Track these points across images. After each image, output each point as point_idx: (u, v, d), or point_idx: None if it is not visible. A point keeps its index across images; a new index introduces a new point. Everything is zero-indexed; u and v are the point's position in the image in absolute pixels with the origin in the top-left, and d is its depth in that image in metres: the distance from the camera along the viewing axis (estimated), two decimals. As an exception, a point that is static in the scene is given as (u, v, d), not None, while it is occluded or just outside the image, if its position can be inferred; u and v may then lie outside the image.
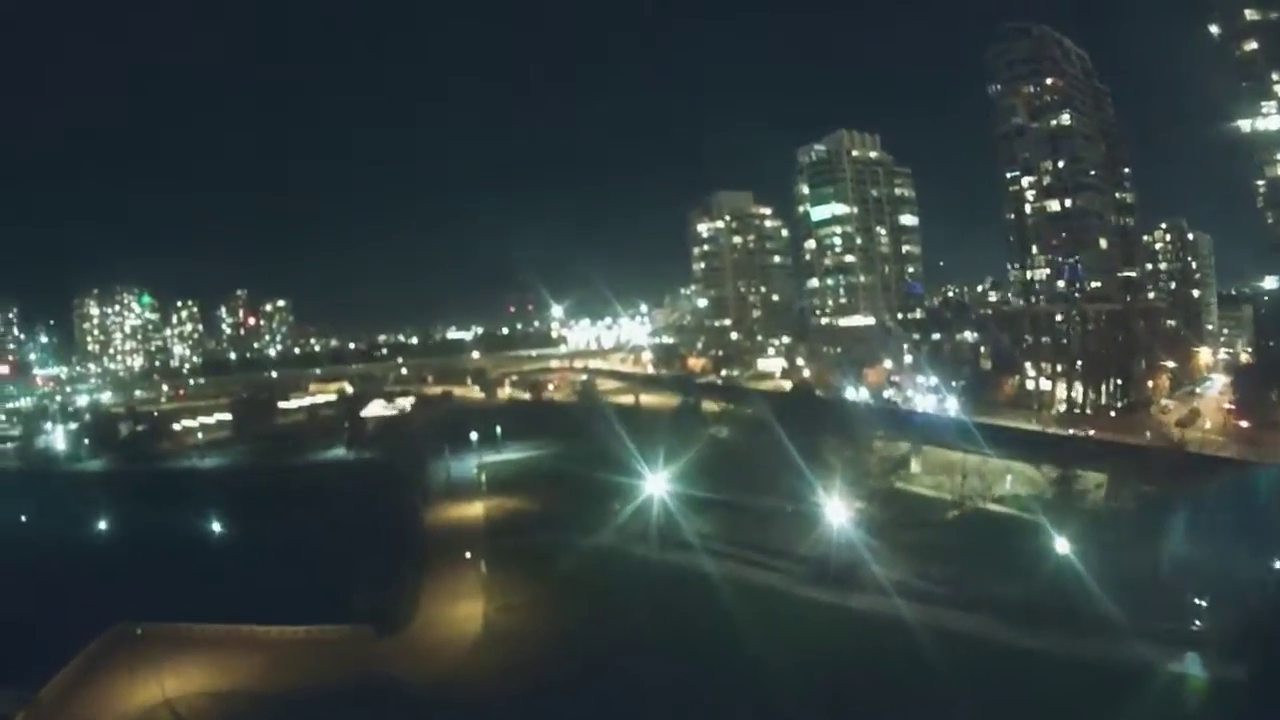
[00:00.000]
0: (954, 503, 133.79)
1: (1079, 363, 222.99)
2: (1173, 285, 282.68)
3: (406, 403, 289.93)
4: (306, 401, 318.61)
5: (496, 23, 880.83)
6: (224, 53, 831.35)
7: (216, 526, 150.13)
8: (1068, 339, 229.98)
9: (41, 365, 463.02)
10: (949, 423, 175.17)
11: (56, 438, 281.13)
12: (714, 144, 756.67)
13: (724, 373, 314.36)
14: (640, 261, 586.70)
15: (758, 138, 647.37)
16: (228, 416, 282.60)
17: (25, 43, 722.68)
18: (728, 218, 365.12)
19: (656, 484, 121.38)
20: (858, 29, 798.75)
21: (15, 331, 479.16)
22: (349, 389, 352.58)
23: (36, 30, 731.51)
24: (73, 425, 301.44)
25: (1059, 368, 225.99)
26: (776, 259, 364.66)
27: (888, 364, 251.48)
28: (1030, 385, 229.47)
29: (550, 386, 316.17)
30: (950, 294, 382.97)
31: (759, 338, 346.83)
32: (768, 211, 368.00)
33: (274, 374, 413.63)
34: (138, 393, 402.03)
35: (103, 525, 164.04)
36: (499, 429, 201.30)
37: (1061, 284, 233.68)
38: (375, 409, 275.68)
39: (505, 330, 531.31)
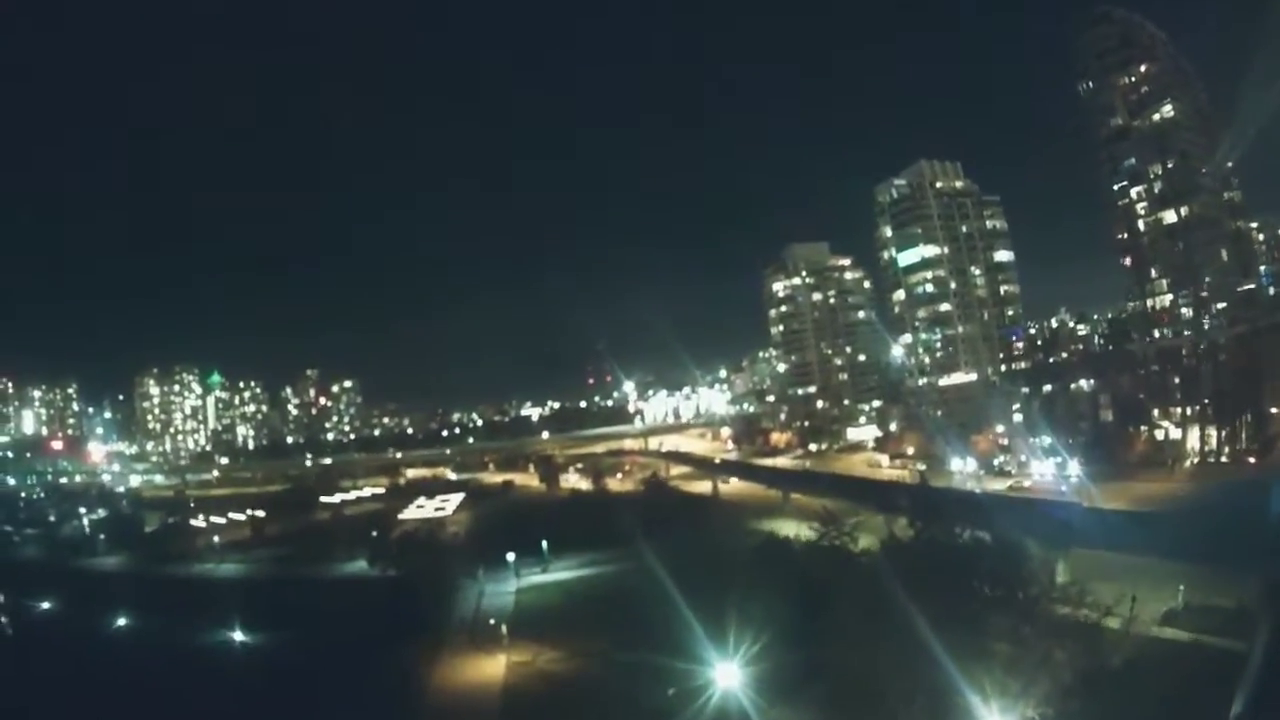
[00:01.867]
0: (1121, 632, 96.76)
1: (1209, 402, 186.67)
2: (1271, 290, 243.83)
3: (454, 500, 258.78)
4: (352, 495, 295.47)
5: (560, 84, 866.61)
6: (296, 130, 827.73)
7: (170, 660, 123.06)
8: (1197, 375, 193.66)
9: (106, 440, 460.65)
10: (1096, 515, 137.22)
11: (83, 526, 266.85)
12: (785, 193, 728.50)
13: (811, 446, 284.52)
14: (718, 325, 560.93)
15: (829, 183, 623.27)
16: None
17: (99, 111, 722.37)
18: (804, 273, 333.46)
19: (730, 651, 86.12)
20: (919, 53, 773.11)
21: (74, 407, 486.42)
22: (404, 478, 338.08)
23: (114, 101, 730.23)
24: (102, 512, 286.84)
25: (1188, 411, 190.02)
26: (860, 314, 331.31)
27: (999, 427, 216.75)
28: (1161, 434, 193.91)
29: (620, 474, 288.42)
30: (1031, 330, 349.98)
31: (847, 403, 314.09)
32: (847, 262, 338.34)
33: (329, 460, 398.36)
34: (189, 476, 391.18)
35: (59, 644, 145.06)
36: (552, 536, 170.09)
37: (1188, 310, 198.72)
38: (415, 510, 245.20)
39: (584, 403, 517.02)
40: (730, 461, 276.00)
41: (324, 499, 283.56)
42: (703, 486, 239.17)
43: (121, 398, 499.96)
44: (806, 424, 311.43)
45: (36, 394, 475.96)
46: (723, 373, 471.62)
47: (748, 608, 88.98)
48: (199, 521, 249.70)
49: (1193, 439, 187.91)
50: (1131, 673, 79.45)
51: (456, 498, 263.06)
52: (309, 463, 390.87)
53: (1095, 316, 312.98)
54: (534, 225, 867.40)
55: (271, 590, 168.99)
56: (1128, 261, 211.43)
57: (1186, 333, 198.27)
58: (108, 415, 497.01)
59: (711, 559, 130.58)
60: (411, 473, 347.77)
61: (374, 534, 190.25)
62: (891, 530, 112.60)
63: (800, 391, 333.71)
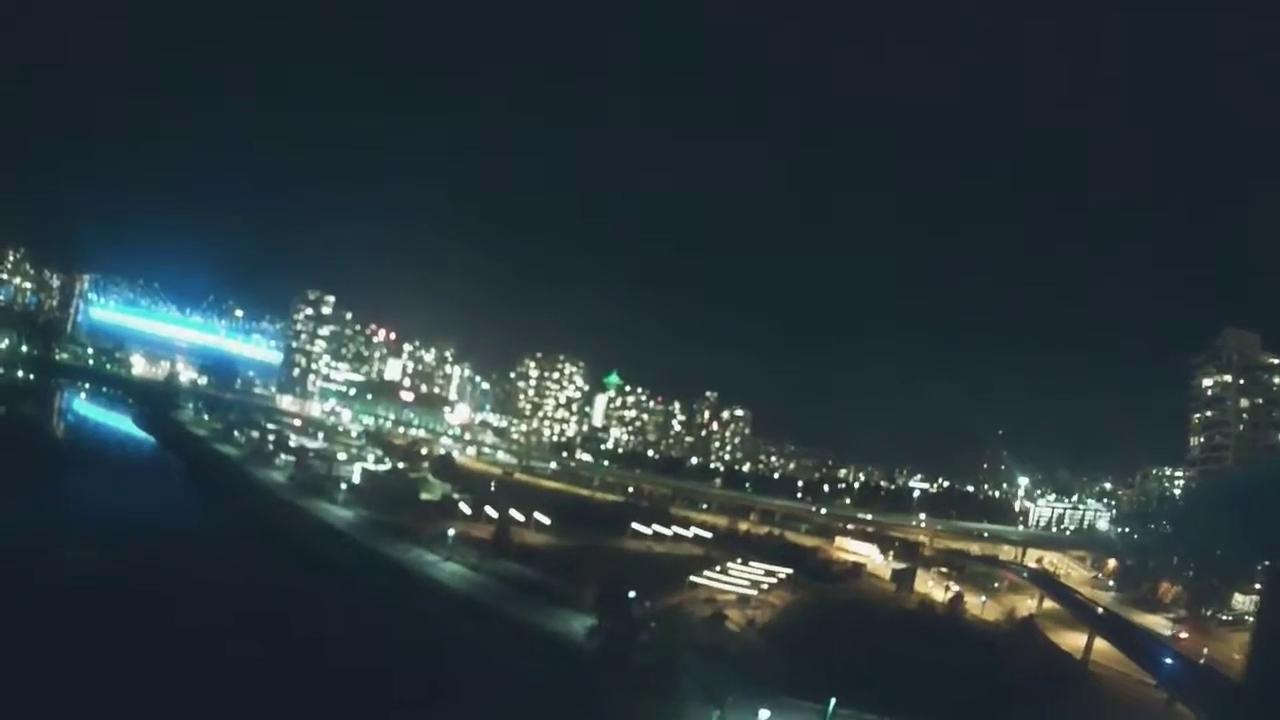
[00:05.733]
0: None
1: None
2: None
3: (777, 575, 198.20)
4: (671, 531, 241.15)
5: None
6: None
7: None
8: None
9: (480, 409, 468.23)
10: None
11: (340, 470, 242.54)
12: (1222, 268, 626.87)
13: (1204, 609, 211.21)
14: (1122, 427, 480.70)
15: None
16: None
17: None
18: (1235, 369, 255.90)
19: None
20: None
21: (447, 370, 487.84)
22: (748, 524, 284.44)
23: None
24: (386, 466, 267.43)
25: None
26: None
27: None
28: None
29: (984, 595, 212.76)
30: None
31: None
32: (1277, 361, 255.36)
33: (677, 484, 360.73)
34: (531, 462, 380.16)
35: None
36: (863, 676, 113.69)
37: None
38: (718, 576, 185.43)
39: (970, 488, 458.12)
40: (1111, 617, 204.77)
41: (636, 525, 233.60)
42: (1072, 639, 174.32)
43: (514, 375, 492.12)
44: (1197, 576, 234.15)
45: (407, 347, 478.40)
46: (1108, 485, 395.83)
47: None
48: (469, 507, 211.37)
49: None
50: None
51: (782, 573, 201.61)
52: (654, 479, 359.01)
53: None
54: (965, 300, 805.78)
55: (436, 612, 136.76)
56: None
57: None
58: (484, 386, 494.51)
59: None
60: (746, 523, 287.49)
61: (631, 594, 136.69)
62: None
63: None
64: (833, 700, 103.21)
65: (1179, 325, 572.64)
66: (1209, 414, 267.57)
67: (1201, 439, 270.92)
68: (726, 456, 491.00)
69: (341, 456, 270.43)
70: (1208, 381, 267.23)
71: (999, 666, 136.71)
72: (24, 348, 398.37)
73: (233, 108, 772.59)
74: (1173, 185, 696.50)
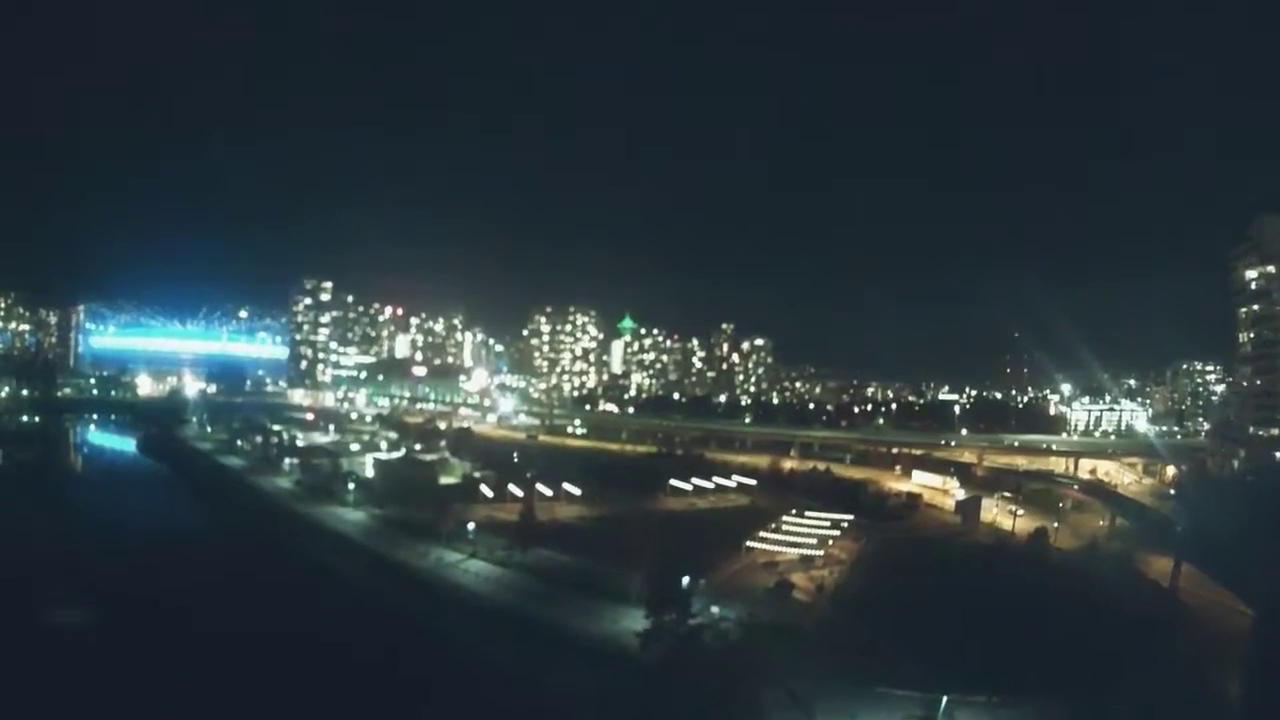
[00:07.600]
0: None
1: None
2: None
3: (839, 526, 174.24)
4: (713, 483, 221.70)
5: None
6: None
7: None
8: None
9: (496, 373, 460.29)
10: None
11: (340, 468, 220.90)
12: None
13: None
14: (1150, 313, 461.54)
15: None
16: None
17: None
18: (1277, 261, 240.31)
19: None
20: None
21: (459, 337, 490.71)
22: (792, 462, 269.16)
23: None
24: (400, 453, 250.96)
25: None
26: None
27: None
28: None
29: (1056, 519, 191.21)
30: None
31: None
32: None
33: (710, 426, 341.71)
34: (554, 420, 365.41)
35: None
36: (962, 643, 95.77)
37: None
38: (773, 536, 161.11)
39: (998, 394, 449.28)
40: (1193, 537, 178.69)
41: (674, 482, 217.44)
42: (1152, 562, 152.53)
43: (526, 333, 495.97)
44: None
45: (415, 320, 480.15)
46: (1132, 382, 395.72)
47: None
48: (492, 486, 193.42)
49: None
50: None
51: (842, 520, 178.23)
52: (684, 424, 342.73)
53: None
54: (976, 192, 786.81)
55: (460, 628, 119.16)
56: None
57: None
58: (498, 349, 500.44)
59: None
60: (788, 461, 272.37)
61: (685, 580, 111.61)
62: None
63: (1262, 432, 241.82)
64: (944, 699, 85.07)
65: (1201, 211, 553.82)
66: (1255, 308, 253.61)
67: (1251, 334, 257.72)
68: (751, 388, 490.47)
69: (354, 447, 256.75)
70: (1251, 274, 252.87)
71: (1107, 617, 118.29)
72: (24, 391, 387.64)
73: (201, 106, 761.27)
74: (1203, 66, 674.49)
